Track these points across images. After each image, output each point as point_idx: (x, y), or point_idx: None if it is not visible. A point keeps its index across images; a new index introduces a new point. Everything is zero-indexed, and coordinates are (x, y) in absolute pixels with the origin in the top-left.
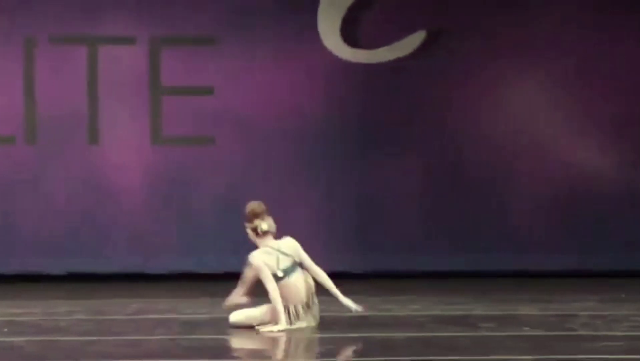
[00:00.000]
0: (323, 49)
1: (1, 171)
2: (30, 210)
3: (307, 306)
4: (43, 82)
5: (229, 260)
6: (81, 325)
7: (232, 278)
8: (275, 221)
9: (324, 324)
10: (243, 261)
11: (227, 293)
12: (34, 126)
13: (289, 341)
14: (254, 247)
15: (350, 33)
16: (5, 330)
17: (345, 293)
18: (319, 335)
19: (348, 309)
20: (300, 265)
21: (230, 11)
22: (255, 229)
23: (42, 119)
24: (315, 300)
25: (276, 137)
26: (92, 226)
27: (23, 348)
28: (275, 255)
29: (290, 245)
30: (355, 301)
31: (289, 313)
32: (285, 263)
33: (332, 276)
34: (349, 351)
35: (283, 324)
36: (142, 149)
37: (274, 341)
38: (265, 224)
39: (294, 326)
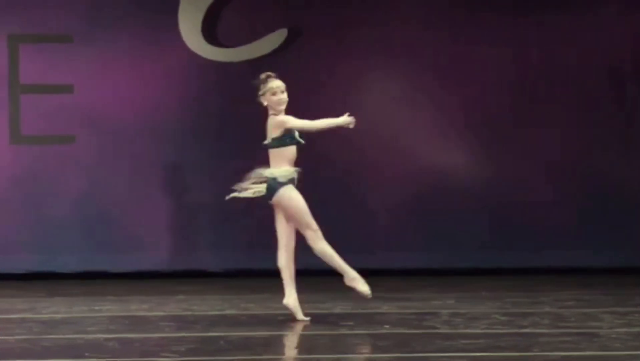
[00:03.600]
0: (183, 47)
1: None
2: None
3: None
4: None
5: (89, 259)
6: None
7: (91, 277)
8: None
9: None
10: (104, 260)
11: (86, 293)
12: None
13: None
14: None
15: (212, 31)
16: None
17: (201, 292)
18: (175, 334)
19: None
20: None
21: (89, 8)
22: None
23: None
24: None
25: (135, 136)
26: None
27: None
28: None
29: None
30: (213, 300)
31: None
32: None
33: (191, 274)
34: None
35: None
36: (0, 149)
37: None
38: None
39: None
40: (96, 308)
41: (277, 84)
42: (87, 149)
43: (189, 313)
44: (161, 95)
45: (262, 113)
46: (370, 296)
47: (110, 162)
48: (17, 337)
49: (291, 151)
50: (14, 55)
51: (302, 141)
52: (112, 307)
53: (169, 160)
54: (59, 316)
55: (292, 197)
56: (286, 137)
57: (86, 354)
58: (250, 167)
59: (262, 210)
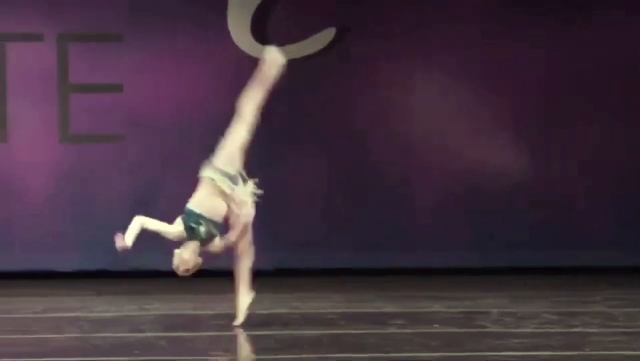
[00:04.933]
0: (232, 46)
1: None
2: None
3: None
4: None
5: (136, 258)
6: None
7: (140, 275)
8: None
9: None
10: (152, 258)
11: (136, 291)
12: None
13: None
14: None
15: (260, 30)
16: None
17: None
18: (226, 333)
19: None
20: None
21: (137, 8)
22: None
23: None
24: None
25: (183, 135)
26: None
27: None
28: None
29: None
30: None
31: None
32: None
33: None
34: (259, 348)
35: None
36: (50, 147)
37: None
38: None
39: None
40: (146, 306)
41: None
42: (135, 148)
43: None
44: (210, 94)
45: (311, 112)
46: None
47: (158, 161)
48: (68, 335)
49: None
50: (63, 55)
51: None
52: (162, 305)
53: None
54: (110, 314)
55: None
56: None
57: (136, 352)
58: (298, 166)
59: (311, 210)
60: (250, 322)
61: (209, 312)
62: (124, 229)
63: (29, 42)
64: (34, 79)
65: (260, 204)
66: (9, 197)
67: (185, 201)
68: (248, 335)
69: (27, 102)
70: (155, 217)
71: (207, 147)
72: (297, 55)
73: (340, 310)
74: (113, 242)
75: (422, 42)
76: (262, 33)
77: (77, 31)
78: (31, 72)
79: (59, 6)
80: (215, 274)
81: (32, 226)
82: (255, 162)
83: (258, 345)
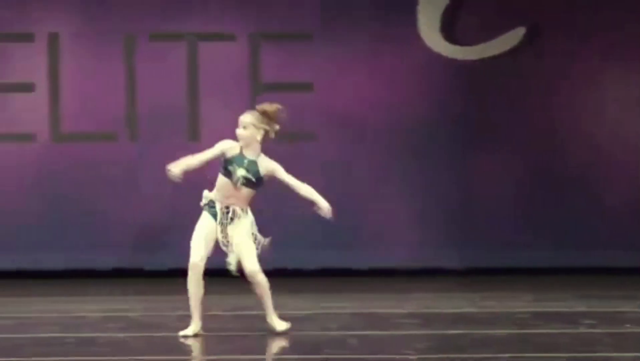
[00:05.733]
0: (422, 46)
1: (103, 168)
2: (131, 207)
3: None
4: (144, 79)
5: (327, 256)
6: (183, 321)
7: (330, 274)
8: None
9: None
10: (346, 257)
11: (325, 290)
12: (135, 122)
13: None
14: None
15: (450, 29)
16: (110, 325)
17: (442, 290)
18: (417, 331)
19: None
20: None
21: (328, 7)
22: (268, 133)
23: (143, 116)
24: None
25: (373, 134)
26: (188, 221)
27: (127, 343)
28: None
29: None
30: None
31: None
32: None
33: (429, 272)
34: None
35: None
36: None
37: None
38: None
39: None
40: (336, 304)
41: (240, 117)
42: (327, 146)
43: (428, 310)
44: (400, 94)
45: (496, 112)
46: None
47: (349, 160)
48: (258, 333)
49: (222, 182)
50: (254, 54)
51: (235, 182)
52: (353, 304)
53: (406, 157)
54: (301, 312)
55: (199, 221)
56: (221, 168)
57: (326, 350)
58: (488, 163)
59: (504, 209)
60: (442, 321)
61: (401, 311)
62: (315, 226)
63: (221, 41)
64: (225, 79)
65: (453, 204)
66: (198, 194)
67: (375, 198)
68: (439, 334)
69: (219, 101)
70: (343, 216)
71: (396, 148)
72: (485, 55)
73: (530, 309)
74: (304, 240)
75: (614, 41)
76: (451, 32)
77: (268, 30)
78: (223, 72)
79: (250, 6)
80: (395, 273)
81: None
82: (447, 162)
83: (449, 344)
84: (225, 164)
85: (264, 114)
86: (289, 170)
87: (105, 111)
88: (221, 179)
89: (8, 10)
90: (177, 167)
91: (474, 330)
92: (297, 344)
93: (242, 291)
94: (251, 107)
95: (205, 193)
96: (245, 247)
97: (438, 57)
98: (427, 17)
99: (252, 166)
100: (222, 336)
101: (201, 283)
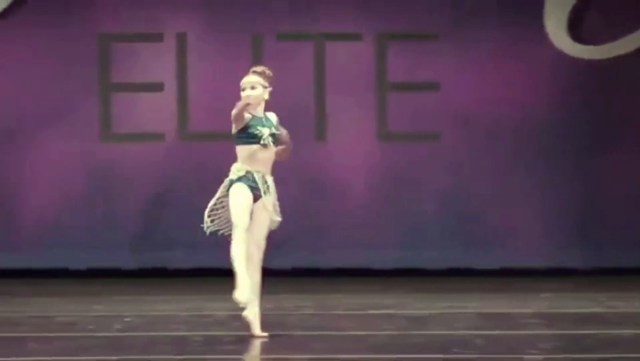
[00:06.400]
0: (549, 45)
1: (224, 167)
2: None
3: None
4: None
5: (451, 256)
6: (309, 320)
7: (452, 273)
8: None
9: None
10: (467, 256)
11: (450, 289)
12: None
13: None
14: None
15: (577, 29)
16: (237, 323)
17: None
18: (543, 331)
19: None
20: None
21: (455, 7)
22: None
23: None
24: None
25: (500, 135)
26: (314, 223)
27: (253, 342)
28: None
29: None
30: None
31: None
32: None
33: (554, 271)
34: (575, 348)
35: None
36: (368, 146)
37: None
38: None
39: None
40: (461, 304)
41: (245, 79)
42: (452, 146)
43: (554, 310)
44: (527, 94)
45: (626, 110)
46: (241, 304)
47: (475, 159)
48: (385, 332)
49: (249, 150)
50: (381, 54)
51: (265, 143)
52: (478, 304)
53: (531, 157)
54: (427, 312)
55: (233, 193)
56: (242, 136)
57: (454, 350)
58: (614, 162)
59: (628, 210)
60: (568, 321)
61: (526, 310)
62: (438, 226)
63: (348, 41)
64: (351, 78)
65: (578, 203)
66: (328, 196)
67: (501, 198)
68: (565, 334)
69: (345, 101)
70: (469, 217)
71: (521, 147)
72: (611, 55)
73: None
74: (426, 240)
75: None
76: (578, 32)
77: (395, 30)
78: (349, 71)
79: (377, 5)
80: (520, 272)
81: (352, 225)
82: (572, 161)
83: (575, 344)
84: (247, 132)
85: (265, 74)
86: (414, 171)
87: (230, 110)
88: (245, 148)
89: (137, 10)
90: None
91: (600, 330)
92: (423, 344)
93: (366, 291)
94: (379, 108)
95: (236, 165)
96: (266, 220)
97: (564, 56)
98: (554, 17)
99: (269, 122)
100: (349, 335)
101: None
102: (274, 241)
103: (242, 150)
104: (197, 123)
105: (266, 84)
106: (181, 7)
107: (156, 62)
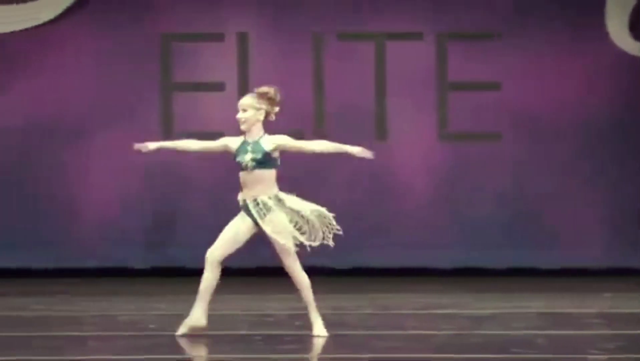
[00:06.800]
0: (610, 45)
1: (289, 167)
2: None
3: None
4: (331, 78)
5: (511, 255)
6: (369, 320)
7: (516, 273)
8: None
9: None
10: (526, 256)
11: (511, 289)
12: (322, 121)
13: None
14: None
15: (638, 29)
16: (297, 323)
17: (629, 290)
18: (605, 331)
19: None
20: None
21: (516, 7)
22: (268, 115)
23: (330, 115)
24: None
25: (561, 134)
26: (375, 222)
27: (313, 341)
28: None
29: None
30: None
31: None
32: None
33: (617, 271)
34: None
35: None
36: (428, 146)
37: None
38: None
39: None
40: (522, 304)
41: (240, 101)
42: (512, 146)
43: (616, 310)
44: (587, 92)
45: None
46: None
47: (535, 159)
48: (445, 332)
49: (240, 177)
50: (442, 53)
51: (246, 164)
52: (539, 303)
53: (593, 157)
54: (487, 312)
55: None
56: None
57: (513, 350)
58: None
59: None
60: (631, 321)
61: (589, 310)
62: (497, 226)
63: (408, 41)
64: (412, 78)
65: (636, 202)
66: (389, 196)
67: (561, 198)
68: (628, 334)
69: (406, 100)
70: (528, 216)
71: (582, 147)
72: None
73: None
74: (486, 240)
75: None
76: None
77: (456, 30)
78: (410, 71)
79: (438, 5)
80: (581, 272)
81: (412, 225)
82: (635, 161)
83: (637, 345)
84: (234, 159)
85: (263, 95)
86: (474, 171)
87: (292, 109)
88: (240, 175)
89: (199, 10)
90: (154, 145)
91: None
92: (484, 343)
93: (426, 291)
94: (439, 107)
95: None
96: (282, 249)
97: (626, 56)
98: (616, 17)
99: (256, 146)
100: (409, 335)
101: (212, 275)
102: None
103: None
104: None
105: (261, 105)
106: (242, 6)
107: (217, 62)
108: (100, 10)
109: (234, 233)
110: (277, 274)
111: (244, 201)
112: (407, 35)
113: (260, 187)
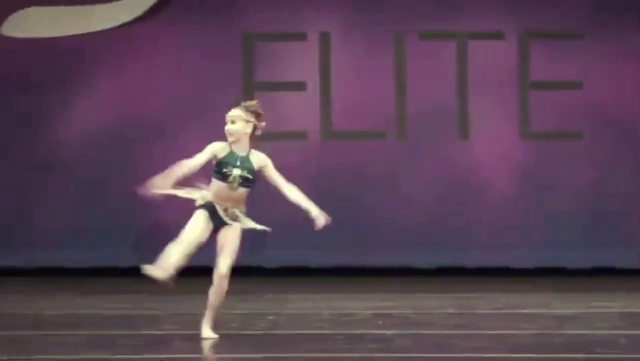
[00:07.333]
0: None
1: (370, 166)
2: (395, 205)
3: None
4: (413, 78)
5: (591, 254)
6: (451, 319)
7: (595, 273)
8: None
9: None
10: (606, 255)
11: (593, 289)
12: (404, 121)
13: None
14: None
15: None
16: (380, 322)
17: None
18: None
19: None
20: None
21: (597, 6)
22: (255, 129)
23: (412, 114)
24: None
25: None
26: (457, 221)
27: (394, 341)
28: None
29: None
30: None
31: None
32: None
33: None
34: None
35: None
36: (510, 145)
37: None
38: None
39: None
40: (604, 303)
41: (229, 112)
42: (594, 145)
43: None
44: None
45: None
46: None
47: (617, 158)
48: (527, 332)
49: (217, 186)
50: (524, 52)
51: (232, 183)
52: (621, 303)
53: None
54: (569, 311)
55: (192, 218)
56: (215, 170)
57: (597, 350)
58: None
59: None
60: None
61: None
62: (579, 225)
63: (490, 40)
64: (494, 77)
65: None
66: (471, 195)
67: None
68: None
69: (488, 100)
70: (610, 215)
71: None
72: None
73: None
74: (568, 238)
75: None
76: None
77: (538, 29)
78: (492, 70)
79: (520, 4)
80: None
81: (494, 224)
82: None
83: None
84: (218, 167)
85: (251, 108)
86: (556, 170)
87: (374, 109)
88: (215, 182)
89: (281, 10)
90: (161, 188)
91: None
92: (566, 343)
93: (508, 291)
94: (521, 106)
95: (205, 193)
96: (229, 247)
97: None
98: None
99: (246, 163)
100: (491, 334)
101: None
102: (415, 240)
103: (212, 183)
104: (339, 122)
105: (250, 118)
106: (324, 6)
107: (299, 61)
108: (183, 9)
109: (196, 237)
110: (357, 273)
111: (212, 206)
112: (489, 35)
113: (239, 203)
